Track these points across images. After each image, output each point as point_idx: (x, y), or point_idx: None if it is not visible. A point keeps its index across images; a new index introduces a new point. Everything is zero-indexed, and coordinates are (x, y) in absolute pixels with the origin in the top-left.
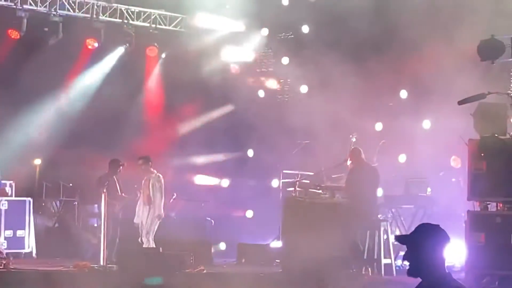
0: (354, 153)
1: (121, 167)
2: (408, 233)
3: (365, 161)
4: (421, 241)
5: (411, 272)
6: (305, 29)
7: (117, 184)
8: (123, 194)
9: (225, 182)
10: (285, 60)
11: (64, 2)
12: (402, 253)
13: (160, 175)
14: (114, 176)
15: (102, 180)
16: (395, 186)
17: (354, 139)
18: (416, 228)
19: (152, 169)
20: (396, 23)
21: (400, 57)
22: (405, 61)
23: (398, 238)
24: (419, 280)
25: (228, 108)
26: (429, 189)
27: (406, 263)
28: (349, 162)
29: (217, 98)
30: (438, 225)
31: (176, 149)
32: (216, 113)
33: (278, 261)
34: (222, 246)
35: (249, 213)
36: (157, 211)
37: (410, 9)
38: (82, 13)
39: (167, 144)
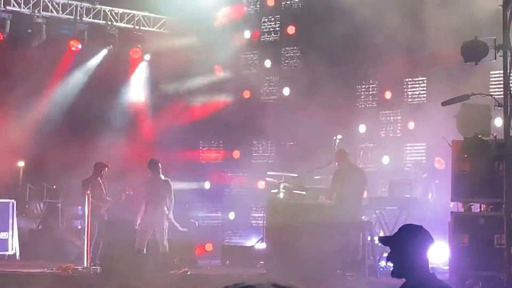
0: (340, 155)
1: (106, 169)
2: (392, 234)
3: (351, 163)
4: (404, 242)
5: (395, 273)
6: (291, 30)
7: (103, 186)
8: (107, 197)
9: (208, 184)
10: (267, 63)
11: (48, 3)
12: (386, 254)
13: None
14: (99, 178)
15: (86, 183)
16: (379, 188)
17: (338, 141)
18: (400, 229)
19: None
20: (380, 25)
21: (384, 58)
22: (390, 62)
23: (382, 240)
24: (403, 281)
25: (213, 108)
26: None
27: (390, 264)
28: (335, 164)
29: (201, 99)
30: (421, 226)
31: (160, 150)
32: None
33: (262, 262)
34: (209, 247)
35: (232, 215)
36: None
37: (394, 11)
38: (65, 14)
39: (151, 146)
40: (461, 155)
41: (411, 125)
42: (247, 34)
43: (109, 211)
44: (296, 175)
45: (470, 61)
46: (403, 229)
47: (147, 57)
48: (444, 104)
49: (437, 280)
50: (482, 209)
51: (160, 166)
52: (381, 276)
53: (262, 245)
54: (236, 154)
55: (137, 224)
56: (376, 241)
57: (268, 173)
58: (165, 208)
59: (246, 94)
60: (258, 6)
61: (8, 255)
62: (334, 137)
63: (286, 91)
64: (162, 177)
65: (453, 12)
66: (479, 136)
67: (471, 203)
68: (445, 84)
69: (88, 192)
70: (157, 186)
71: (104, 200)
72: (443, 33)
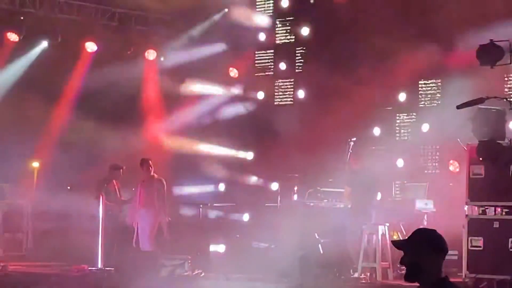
0: (353, 158)
1: (121, 171)
2: (405, 237)
3: (364, 166)
4: (417, 246)
5: (408, 277)
6: (305, 31)
7: (117, 188)
8: (122, 197)
9: (222, 186)
10: (282, 65)
11: (63, 5)
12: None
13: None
14: (114, 180)
15: (101, 184)
16: (393, 190)
17: (352, 143)
18: (413, 233)
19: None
20: (395, 26)
21: (398, 59)
22: (404, 64)
23: (395, 243)
24: (416, 285)
25: (227, 110)
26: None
27: (403, 267)
28: (350, 167)
29: (215, 102)
30: (434, 230)
31: (174, 151)
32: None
33: (277, 264)
34: (221, 248)
35: (246, 216)
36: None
37: (409, 13)
38: (81, 16)
39: (166, 147)
40: (476, 159)
41: (426, 127)
42: (262, 36)
43: (122, 212)
44: (311, 176)
45: (486, 65)
46: (416, 233)
47: (162, 58)
48: (459, 107)
49: (451, 284)
50: (496, 212)
51: (151, 165)
52: (395, 280)
53: (277, 247)
54: (250, 155)
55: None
56: (390, 244)
57: (283, 174)
58: (156, 208)
59: (261, 96)
60: (272, 8)
61: (23, 255)
62: (349, 139)
63: (301, 93)
64: (155, 176)
65: (468, 14)
66: (494, 139)
67: (486, 207)
68: (460, 87)
69: (102, 193)
70: (149, 185)
71: (118, 202)
72: (458, 35)
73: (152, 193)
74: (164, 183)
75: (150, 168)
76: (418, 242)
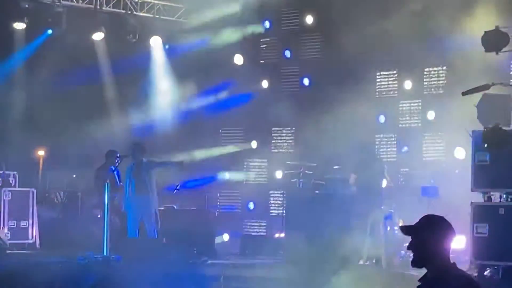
0: (360, 145)
1: (118, 159)
2: (412, 224)
3: (370, 153)
4: (426, 232)
5: (416, 263)
6: (309, 19)
7: (115, 175)
8: (121, 184)
9: (227, 174)
10: (287, 53)
11: None
12: (405, 245)
13: None
14: (112, 167)
15: (101, 173)
16: (399, 177)
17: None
18: (421, 219)
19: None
20: (401, 13)
21: (404, 47)
22: (410, 51)
23: (403, 229)
24: (423, 271)
25: (232, 97)
26: (431, 180)
27: (410, 252)
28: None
29: (220, 88)
30: (442, 217)
31: (179, 138)
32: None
33: (282, 252)
34: (225, 237)
35: (251, 205)
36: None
37: (417, 1)
38: (85, 4)
39: (170, 134)
40: (482, 145)
41: (431, 114)
42: (267, 23)
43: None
44: (315, 164)
45: (491, 51)
46: (425, 218)
47: (167, 46)
48: (464, 93)
49: (458, 270)
50: (502, 199)
51: (144, 149)
52: (400, 266)
53: (281, 235)
54: (254, 143)
55: (122, 208)
56: (396, 231)
57: (288, 162)
58: (150, 195)
59: (265, 84)
60: None
61: (28, 243)
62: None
63: (306, 80)
64: (144, 160)
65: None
66: (500, 126)
67: (491, 193)
68: (466, 74)
69: (108, 181)
70: (140, 171)
71: (118, 190)
72: (463, 21)
73: (145, 180)
74: (153, 165)
75: (142, 152)
76: (426, 228)
